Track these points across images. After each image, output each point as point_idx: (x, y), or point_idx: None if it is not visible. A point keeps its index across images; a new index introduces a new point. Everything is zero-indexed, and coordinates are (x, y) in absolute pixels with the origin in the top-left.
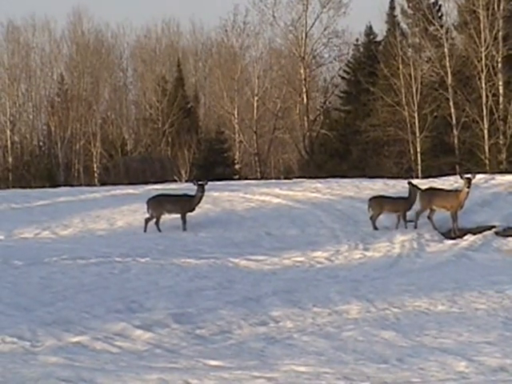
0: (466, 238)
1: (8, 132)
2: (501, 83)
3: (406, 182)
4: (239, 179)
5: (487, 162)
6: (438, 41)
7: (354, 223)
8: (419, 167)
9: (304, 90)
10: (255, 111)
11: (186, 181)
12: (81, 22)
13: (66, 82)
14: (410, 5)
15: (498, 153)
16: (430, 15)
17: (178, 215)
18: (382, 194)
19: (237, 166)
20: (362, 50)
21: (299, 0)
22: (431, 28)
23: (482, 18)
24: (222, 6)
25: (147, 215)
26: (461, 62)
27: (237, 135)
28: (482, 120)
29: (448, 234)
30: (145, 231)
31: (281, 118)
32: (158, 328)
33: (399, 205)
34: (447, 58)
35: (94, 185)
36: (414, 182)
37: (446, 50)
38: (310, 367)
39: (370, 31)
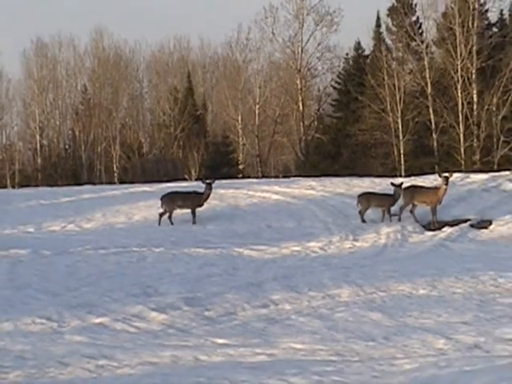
0: (444, 229)
1: (37, 137)
2: (475, 92)
3: (391, 180)
4: (242, 178)
5: (463, 162)
6: (419, 55)
7: (344, 217)
8: (402, 167)
9: (300, 98)
10: (257, 117)
11: (196, 179)
12: (102, 38)
13: (88, 91)
14: (394, 23)
15: (473, 154)
16: (411, 32)
17: (189, 210)
18: (369, 190)
19: (240, 166)
20: (351, 63)
21: (295, 19)
22: (413, 43)
23: (457, 34)
24: (227, 25)
25: (161, 210)
26: (439, 74)
27: (240, 139)
28: (458, 125)
29: (428, 226)
30: (159, 224)
31: (279, 124)
32: (171, 310)
33: (385, 200)
34: (427, 70)
35: (114, 183)
36: (397, 181)
37: (426, 62)
38: (305, 345)
39: (358, 46)
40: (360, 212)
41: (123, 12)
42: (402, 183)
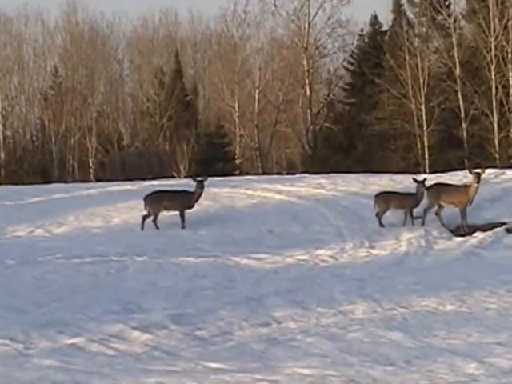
0: (475, 235)
1: (0, 126)
2: (511, 74)
3: (413, 176)
4: (240, 175)
5: (497, 156)
6: (446, 30)
7: (359, 220)
8: (426, 162)
9: (307, 81)
10: (256, 104)
11: (185, 177)
12: (75, 11)
13: (59, 74)
14: None
15: (509, 146)
16: (437, 4)
17: (177, 212)
18: (388, 189)
19: (237, 161)
20: (366, 40)
21: None
22: (439, 17)
23: (491, 6)
24: None
25: (144, 212)
26: (469, 53)
27: (237, 129)
28: (492, 112)
29: (457, 231)
30: (142, 229)
31: (283, 111)
32: (156, 329)
33: (406, 201)
34: (455, 49)
35: (90, 181)
36: (421, 177)
37: (454, 39)
38: (313, 370)
39: (375, 21)
40: (377, 214)
41: None
42: (425, 179)
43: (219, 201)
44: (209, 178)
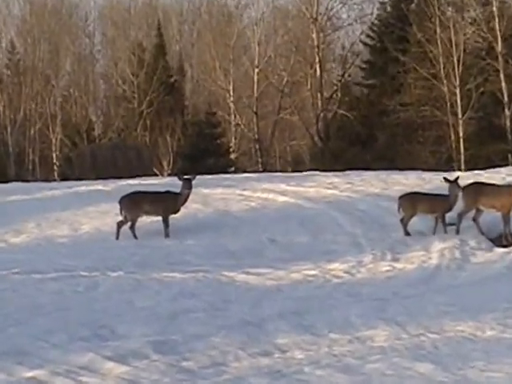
0: None
1: None
2: None
3: (444, 175)
4: (235, 172)
5: None
6: None
7: (380, 227)
8: (462, 157)
9: (317, 59)
10: (255, 87)
11: (169, 174)
12: None
13: (17, 50)
14: None
15: None
16: None
17: (159, 218)
18: (415, 190)
19: (232, 156)
20: (389, 9)
21: None
22: None
23: None
24: None
25: (120, 218)
26: None
27: (232, 117)
28: None
29: (498, 241)
30: (117, 238)
31: (288, 96)
32: (134, 360)
33: (437, 204)
34: (496, 20)
35: (53, 180)
36: (454, 175)
37: (494, 8)
38: None
39: None
40: (402, 220)
41: None
42: (458, 178)
43: (210, 204)
44: (198, 177)
